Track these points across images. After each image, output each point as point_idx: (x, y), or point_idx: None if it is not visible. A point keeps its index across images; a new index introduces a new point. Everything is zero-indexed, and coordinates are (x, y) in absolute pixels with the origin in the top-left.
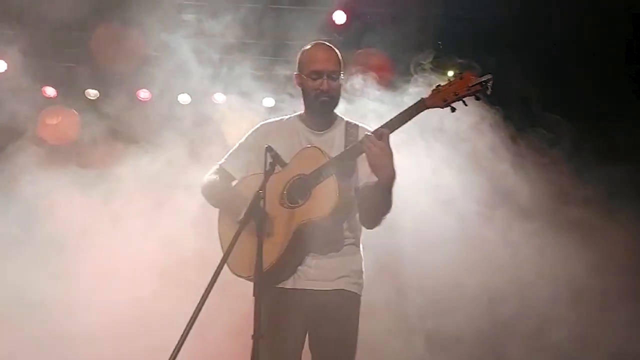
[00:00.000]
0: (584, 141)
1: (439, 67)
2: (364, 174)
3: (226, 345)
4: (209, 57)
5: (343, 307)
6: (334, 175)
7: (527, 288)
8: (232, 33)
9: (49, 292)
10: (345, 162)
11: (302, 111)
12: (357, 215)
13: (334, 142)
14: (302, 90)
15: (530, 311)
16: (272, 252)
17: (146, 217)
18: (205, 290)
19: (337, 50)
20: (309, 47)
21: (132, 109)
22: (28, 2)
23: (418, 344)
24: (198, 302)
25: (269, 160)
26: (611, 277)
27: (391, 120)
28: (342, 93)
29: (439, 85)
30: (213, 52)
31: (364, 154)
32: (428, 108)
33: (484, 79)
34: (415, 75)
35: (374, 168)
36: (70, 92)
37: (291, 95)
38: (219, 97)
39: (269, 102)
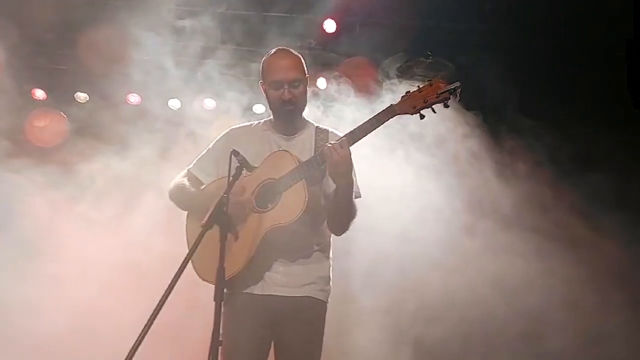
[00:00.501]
0: (562, 148)
1: (412, 71)
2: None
3: (197, 351)
4: (200, 63)
5: (309, 314)
6: (303, 180)
7: (513, 295)
8: (224, 40)
9: (10, 293)
10: (314, 168)
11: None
12: (326, 222)
13: (303, 146)
14: (267, 98)
15: (517, 318)
16: (239, 256)
17: (114, 218)
18: (163, 295)
19: (298, 56)
20: (269, 55)
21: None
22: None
23: (406, 351)
24: (156, 305)
25: (236, 164)
26: (596, 284)
27: (361, 126)
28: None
29: (408, 92)
30: (204, 58)
31: None
32: (397, 114)
33: (452, 86)
34: (398, 81)
35: (332, 175)
36: (60, 95)
37: None
38: (210, 103)
39: (259, 108)
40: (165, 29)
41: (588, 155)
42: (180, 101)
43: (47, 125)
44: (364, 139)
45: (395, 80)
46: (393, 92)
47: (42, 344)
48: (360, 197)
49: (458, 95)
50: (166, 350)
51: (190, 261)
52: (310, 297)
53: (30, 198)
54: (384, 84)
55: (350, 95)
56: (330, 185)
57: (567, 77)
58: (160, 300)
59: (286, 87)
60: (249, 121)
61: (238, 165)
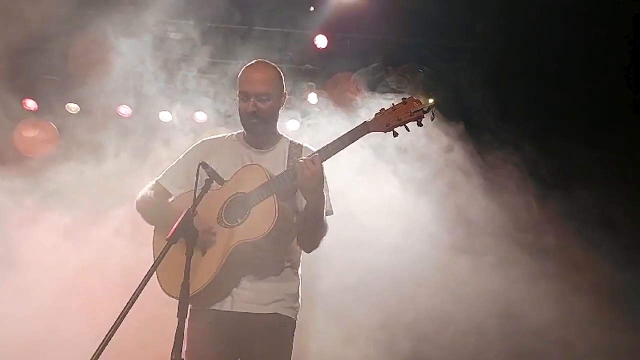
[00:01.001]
0: (543, 164)
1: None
2: None
3: None
4: (188, 77)
5: (276, 331)
6: (274, 195)
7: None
8: (214, 54)
9: None
10: (285, 183)
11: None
12: (296, 238)
13: (276, 160)
14: (238, 108)
15: (507, 334)
16: (206, 272)
17: (79, 228)
18: (123, 309)
19: (274, 71)
20: (245, 66)
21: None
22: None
23: None
24: (116, 319)
25: (205, 177)
26: (578, 298)
27: (333, 142)
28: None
29: (382, 109)
30: (193, 72)
31: None
32: (370, 132)
33: (426, 105)
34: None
35: (303, 191)
36: (52, 105)
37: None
38: (200, 116)
39: None
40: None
41: (571, 171)
42: (170, 113)
43: (37, 136)
44: (355, 152)
45: (372, 94)
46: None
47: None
48: (332, 214)
49: (432, 114)
50: None
51: (156, 276)
52: (278, 314)
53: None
54: (360, 97)
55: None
56: (302, 201)
57: (549, 94)
58: (120, 315)
59: (252, 99)
60: (221, 134)
61: (207, 178)
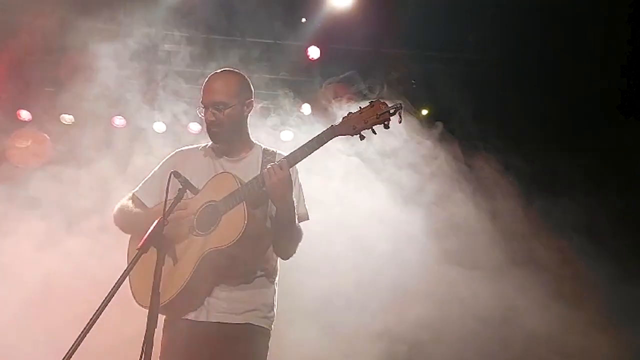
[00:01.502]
0: (529, 172)
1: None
2: None
3: None
4: (181, 88)
5: (249, 341)
6: (243, 202)
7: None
8: (207, 65)
9: None
10: (255, 190)
11: None
12: (271, 247)
13: (249, 168)
14: None
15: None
16: (177, 281)
17: (51, 237)
18: (91, 319)
19: (233, 79)
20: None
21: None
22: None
23: None
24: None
25: (179, 186)
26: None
27: (301, 147)
28: None
29: (350, 113)
30: (187, 84)
31: None
32: (337, 135)
33: (393, 107)
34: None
35: (271, 197)
36: (46, 116)
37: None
38: (195, 127)
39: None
40: (149, 53)
41: (556, 178)
42: (165, 124)
43: (30, 146)
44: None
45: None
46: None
47: None
48: (307, 219)
49: (400, 115)
50: None
51: (129, 286)
52: (251, 324)
53: None
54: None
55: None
56: (274, 208)
57: (537, 102)
58: (88, 323)
59: (210, 109)
60: (195, 145)
61: (181, 187)
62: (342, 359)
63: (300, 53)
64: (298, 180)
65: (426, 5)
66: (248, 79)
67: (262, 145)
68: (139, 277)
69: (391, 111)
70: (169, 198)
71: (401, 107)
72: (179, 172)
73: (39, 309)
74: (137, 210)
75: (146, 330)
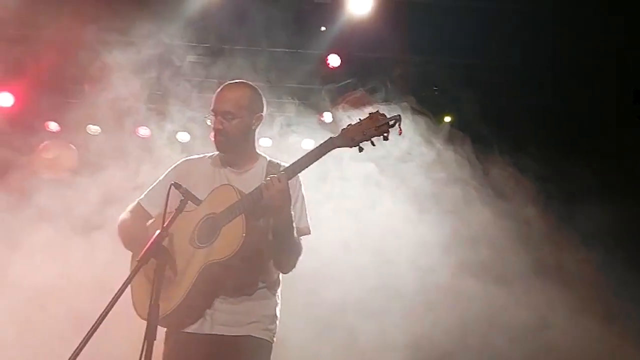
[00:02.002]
0: (551, 180)
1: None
2: None
3: None
4: (204, 98)
5: (250, 354)
6: (242, 214)
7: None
8: (231, 75)
9: None
10: (254, 202)
11: None
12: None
13: (254, 180)
14: None
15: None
16: (177, 293)
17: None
18: (89, 330)
19: (245, 91)
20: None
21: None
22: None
23: None
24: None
25: (180, 197)
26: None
27: (300, 159)
28: None
29: (349, 125)
30: (209, 93)
31: None
32: (336, 147)
33: (392, 119)
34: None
35: (269, 210)
36: (73, 128)
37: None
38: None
39: (266, 142)
40: (172, 65)
41: (578, 188)
42: (189, 133)
43: (57, 157)
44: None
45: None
46: None
47: None
48: (309, 233)
49: (398, 127)
50: None
51: (131, 298)
52: (252, 336)
53: None
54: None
55: None
56: None
57: (557, 108)
58: (86, 335)
59: (219, 117)
60: (201, 154)
61: (182, 198)
62: None
63: (320, 61)
64: (301, 193)
65: (446, 11)
66: (261, 93)
67: (267, 157)
68: (139, 288)
69: (390, 123)
70: (171, 210)
71: (400, 119)
72: (180, 183)
73: (45, 317)
74: (138, 222)
75: (144, 342)
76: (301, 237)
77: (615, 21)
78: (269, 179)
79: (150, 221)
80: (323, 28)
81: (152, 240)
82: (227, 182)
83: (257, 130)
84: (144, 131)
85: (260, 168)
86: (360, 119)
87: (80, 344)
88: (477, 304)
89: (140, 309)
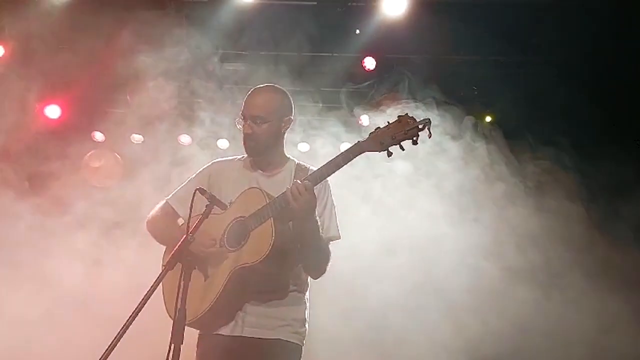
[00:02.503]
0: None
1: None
2: None
3: None
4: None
5: (281, 357)
6: (272, 218)
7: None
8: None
9: None
10: (282, 207)
11: None
12: None
13: (282, 184)
14: None
15: None
16: (207, 296)
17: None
18: (118, 333)
19: (276, 96)
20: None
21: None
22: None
23: None
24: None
25: (206, 202)
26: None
27: (328, 163)
28: None
29: (377, 128)
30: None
31: None
32: (364, 152)
33: (422, 122)
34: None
35: (294, 215)
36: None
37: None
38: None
39: (304, 147)
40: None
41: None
42: (228, 141)
43: (103, 166)
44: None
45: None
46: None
47: None
48: (339, 238)
49: (428, 131)
50: None
51: (163, 300)
52: (282, 339)
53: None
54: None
55: None
56: None
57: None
58: (115, 337)
59: (249, 121)
60: (232, 156)
61: (208, 203)
62: None
63: (357, 64)
64: (331, 198)
65: (482, 9)
66: (290, 97)
67: (295, 160)
68: (171, 291)
69: (420, 126)
70: (198, 214)
71: (430, 122)
72: (210, 185)
73: (79, 319)
74: (167, 221)
75: (170, 344)
76: (330, 243)
77: None
78: (293, 184)
79: (180, 220)
80: (357, 31)
81: (177, 245)
82: (256, 185)
83: (285, 134)
84: (185, 139)
85: (288, 172)
86: (388, 123)
87: (110, 345)
88: (527, 307)
89: (171, 310)
